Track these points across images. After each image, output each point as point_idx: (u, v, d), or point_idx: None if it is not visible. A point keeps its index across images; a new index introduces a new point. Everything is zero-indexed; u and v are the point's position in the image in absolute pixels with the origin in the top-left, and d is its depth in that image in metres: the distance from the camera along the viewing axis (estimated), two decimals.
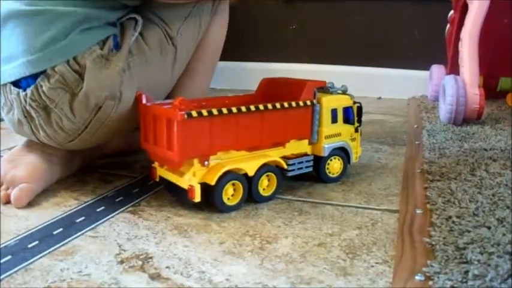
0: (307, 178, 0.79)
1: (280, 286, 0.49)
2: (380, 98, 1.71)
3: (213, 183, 0.65)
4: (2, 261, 0.54)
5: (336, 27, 1.79)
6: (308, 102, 0.74)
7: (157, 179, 0.72)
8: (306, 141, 0.76)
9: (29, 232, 0.62)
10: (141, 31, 0.75)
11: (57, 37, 0.67)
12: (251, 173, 0.69)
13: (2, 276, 0.51)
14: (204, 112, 0.63)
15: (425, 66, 1.61)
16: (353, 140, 0.81)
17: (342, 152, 0.79)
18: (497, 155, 0.89)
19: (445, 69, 1.49)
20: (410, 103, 1.57)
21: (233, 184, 0.68)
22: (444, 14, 1.52)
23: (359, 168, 0.86)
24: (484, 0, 1.20)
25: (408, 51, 1.70)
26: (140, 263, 0.54)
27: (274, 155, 0.72)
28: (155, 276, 0.51)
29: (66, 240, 0.59)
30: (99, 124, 0.71)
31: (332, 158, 0.78)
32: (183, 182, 0.66)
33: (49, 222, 0.65)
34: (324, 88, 0.78)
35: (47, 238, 0.60)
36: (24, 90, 0.69)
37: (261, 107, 0.69)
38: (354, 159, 0.81)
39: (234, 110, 0.66)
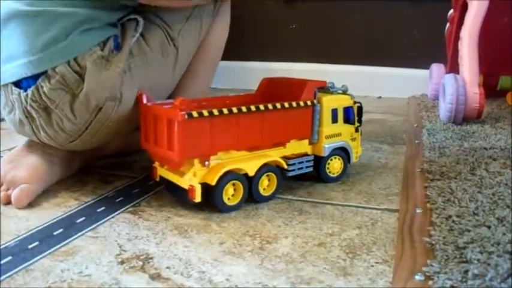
0: (307, 178, 0.79)
1: (280, 286, 0.49)
2: (380, 97, 1.71)
3: (213, 183, 0.65)
4: (3, 262, 0.54)
5: (336, 27, 1.79)
6: (308, 102, 0.74)
7: (157, 179, 0.72)
8: (306, 141, 0.76)
9: (30, 233, 0.62)
10: (142, 32, 0.75)
11: (58, 38, 0.67)
12: (251, 173, 0.69)
13: (2, 277, 0.51)
14: (205, 112, 0.63)
15: (425, 65, 1.61)
16: (353, 139, 0.81)
17: (342, 152, 0.79)
18: (497, 154, 0.89)
19: (445, 68, 1.49)
20: (410, 102, 1.57)
21: (233, 184, 0.68)
22: (444, 13, 1.52)
23: (359, 167, 0.86)
24: None
25: (408, 50, 1.70)
26: (140, 263, 0.54)
27: (274, 155, 0.72)
28: (155, 277, 0.51)
29: (66, 241, 0.59)
30: (99, 125, 0.71)
31: (332, 157, 0.78)
32: (184, 182, 0.66)
33: (49, 223, 0.65)
34: (325, 88, 0.78)
35: (47, 239, 0.60)
36: (25, 90, 0.69)
37: (262, 107, 0.69)
38: (354, 158, 0.81)
39: (235, 110, 0.66)
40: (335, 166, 0.79)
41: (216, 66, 0.97)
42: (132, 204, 0.71)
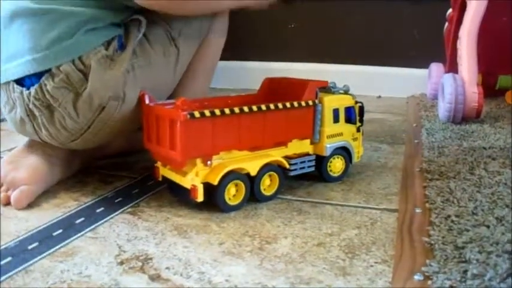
0: (306, 178, 0.79)
1: (279, 286, 0.49)
2: (379, 96, 1.71)
3: (215, 183, 0.65)
4: (2, 262, 0.54)
5: (335, 27, 1.79)
6: (310, 102, 0.74)
7: (160, 179, 0.73)
8: (308, 141, 0.77)
9: (29, 233, 0.62)
10: (144, 32, 0.75)
11: (63, 36, 0.68)
12: (253, 173, 0.69)
13: (2, 278, 0.51)
14: (207, 112, 0.64)
15: (424, 65, 1.61)
16: (355, 139, 0.81)
17: (344, 152, 0.80)
18: (496, 154, 0.89)
19: (444, 68, 1.49)
20: (410, 102, 1.57)
21: (235, 184, 0.68)
22: (443, 13, 1.52)
23: (358, 167, 0.86)
24: None
25: (407, 50, 1.70)
26: (140, 264, 0.54)
27: (276, 155, 0.72)
28: (155, 277, 0.51)
29: (66, 242, 0.59)
30: (102, 124, 0.72)
31: (334, 157, 0.79)
32: (186, 181, 0.66)
33: (49, 224, 0.65)
34: (326, 88, 0.79)
35: (47, 239, 0.60)
36: (28, 88, 0.69)
37: (263, 107, 0.69)
38: (355, 158, 0.81)
39: (237, 110, 0.66)
40: (337, 166, 0.79)
41: (215, 65, 0.97)
42: (131, 204, 0.71)
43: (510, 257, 0.51)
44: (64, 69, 0.67)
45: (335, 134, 0.78)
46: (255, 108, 0.68)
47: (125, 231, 0.62)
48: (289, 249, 0.57)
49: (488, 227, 0.59)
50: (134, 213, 0.68)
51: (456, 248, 0.54)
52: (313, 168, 0.77)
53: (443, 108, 1.18)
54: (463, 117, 1.16)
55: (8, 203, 0.71)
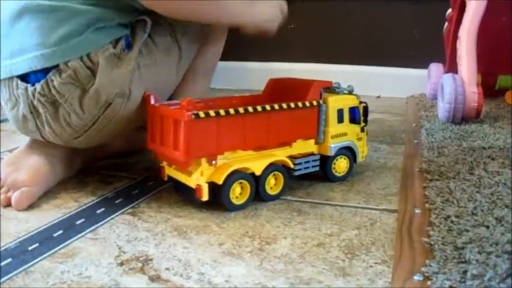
0: (306, 178, 0.79)
1: (279, 287, 0.49)
2: (379, 96, 1.71)
3: (220, 182, 0.66)
4: (3, 263, 0.54)
5: (335, 27, 1.79)
6: (314, 103, 0.75)
7: (165, 178, 0.73)
8: (312, 141, 0.77)
9: (29, 234, 0.62)
10: (149, 33, 0.75)
11: (72, 33, 0.68)
12: (258, 173, 0.69)
13: (2, 279, 0.51)
14: (211, 113, 0.64)
15: (424, 65, 1.61)
16: (359, 139, 0.81)
17: (348, 152, 0.80)
18: (496, 154, 0.90)
19: (444, 68, 1.49)
20: (409, 102, 1.57)
21: (240, 183, 0.68)
22: (443, 13, 1.52)
23: (358, 167, 0.86)
24: None
25: (407, 49, 1.70)
26: (140, 264, 0.54)
27: (280, 155, 0.73)
28: (155, 278, 0.51)
29: (66, 243, 0.59)
30: (106, 121, 0.72)
31: (338, 157, 0.79)
32: (191, 181, 0.66)
33: (49, 225, 0.65)
34: (330, 88, 0.79)
35: (47, 240, 0.60)
36: (33, 85, 0.69)
37: (268, 107, 0.69)
38: (360, 158, 0.82)
39: (241, 110, 0.67)
40: (341, 166, 0.79)
41: (215, 66, 0.98)
42: (131, 205, 0.71)
43: (510, 257, 0.51)
44: (72, 66, 0.68)
45: (339, 134, 0.78)
46: (259, 108, 0.68)
47: (125, 232, 0.62)
48: (289, 249, 0.57)
49: (487, 227, 0.59)
50: (134, 214, 0.68)
51: (456, 248, 0.54)
52: (317, 168, 0.77)
53: (442, 108, 1.18)
54: (462, 117, 1.16)
55: (8, 205, 0.71)
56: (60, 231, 0.63)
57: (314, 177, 0.79)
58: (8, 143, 1.08)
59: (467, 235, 0.57)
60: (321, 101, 0.76)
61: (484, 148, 0.94)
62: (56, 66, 0.68)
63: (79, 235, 0.62)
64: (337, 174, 0.80)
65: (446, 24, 1.52)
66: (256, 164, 0.69)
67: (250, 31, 0.81)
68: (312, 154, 0.77)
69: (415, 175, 0.81)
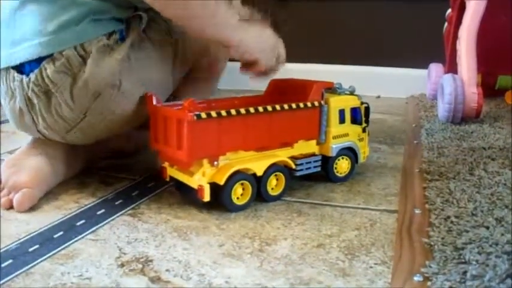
0: (307, 179, 0.79)
1: (279, 287, 0.49)
2: (379, 97, 1.71)
3: (222, 183, 0.66)
4: (3, 265, 0.54)
5: (335, 27, 1.79)
6: (316, 103, 0.75)
7: (167, 179, 0.73)
8: (314, 142, 0.77)
9: (30, 236, 0.62)
10: (145, 28, 0.76)
11: (69, 23, 0.69)
12: (260, 173, 0.69)
13: (2, 281, 0.51)
14: (213, 113, 0.64)
15: (424, 65, 1.61)
16: (361, 140, 0.81)
17: (350, 152, 0.80)
18: (496, 154, 0.90)
19: (444, 68, 1.49)
20: (409, 102, 1.57)
21: (242, 184, 0.68)
22: (442, 13, 1.52)
23: (358, 168, 0.86)
24: None
25: (407, 50, 1.70)
26: (140, 266, 0.54)
27: (282, 155, 0.73)
28: (155, 280, 0.51)
29: (66, 244, 0.60)
30: (98, 114, 0.72)
31: (340, 157, 0.79)
32: (193, 181, 0.67)
33: (50, 226, 0.65)
34: (332, 89, 0.79)
35: (47, 242, 0.60)
36: (28, 75, 0.70)
37: (269, 108, 0.70)
38: (361, 159, 0.82)
39: (243, 111, 0.67)
40: (343, 166, 0.80)
41: (223, 67, 0.97)
42: (131, 206, 0.71)
43: (509, 257, 0.51)
44: (66, 54, 0.69)
45: (341, 134, 0.78)
46: (261, 109, 0.69)
47: (125, 233, 0.62)
48: (289, 250, 0.57)
49: (487, 227, 0.59)
50: (134, 215, 0.68)
51: (456, 249, 0.54)
52: (319, 169, 0.77)
53: (442, 108, 1.18)
54: (462, 117, 1.16)
55: (9, 207, 0.71)
56: (61, 233, 0.63)
57: (314, 177, 0.79)
58: (8, 144, 1.08)
59: (467, 236, 0.57)
60: (322, 102, 0.76)
61: (484, 148, 0.94)
62: (51, 56, 0.69)
63: (79, 236, 0.62)
64: (338, 174, 0.80)
65: (446, 24, 1.53)
66: (258, 165, 0.70)
67: (233, 52, 0.77)
68: (314, 155, 0.77)
69: (415, 175, 0.81)
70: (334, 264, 0.54)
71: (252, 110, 0.68)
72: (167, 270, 0.53)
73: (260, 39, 0.80)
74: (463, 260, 0.51)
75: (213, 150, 0.66)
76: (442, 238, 0.57)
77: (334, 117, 0.77)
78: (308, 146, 0.77)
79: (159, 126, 0.70)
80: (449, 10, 1.47)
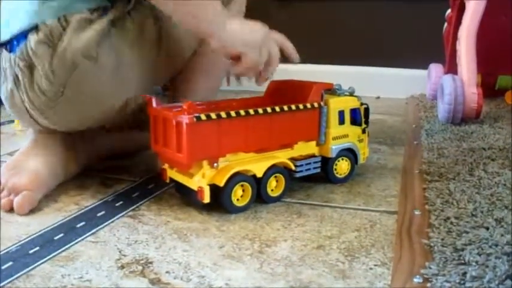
0: (306, 180, 0.79)
1: None
2: (379, 97, 1.72)
3: (222, 184, 0.66)
4: (3, 267, 0.55)
5: (335, 27, 1.79)
6: (315, 104, 0.75)
7: (167, 181, 0.73)
8: (313, 143, 0.77)
9: (30, 238, 0.62)
10: (130, 10, 0.75)
11: None
12: (259, 174, 0.70)
13: (3, 283, 0.51)
14: (213, 115, 0.65)
15: (424, 65, 1.61)
16: (360, 141, 0.81)
17: (350, 153, 0.80)
18: (496, 154, 0.90)
19: (443, 68, 1.50)
20: (409, 102, 1.57)
21: (242, 185, 0.68)
22: (442, 13, 1.52)
23: (358, 168, 0.86)
24: None
25: (406, 50, 1.70)
26: (140, 268, 0.54)
27: (282, 157, 0.73)
28: (155, 281, 0.51)
29: (67, 246, 0.60)
30: (75, 89, 0.72)
31: (340, 159, 0.79)
32: (193, 183, 0.67)
33: (50, 228, 0.65)
34: (331, 90, 0.79)
35: (47, 244, 0.60)
36: (15, 52, 0.71)
37: (269, 109, 0.70)
38: (361, 160, 0.82)
39: (242, 112, 0.67)
40: (342, 167, 0.80)
41: (221, 69, 0.97)
42: (131, 208, 0.71)
43: (509, 258, 0.51)
44: (49, 25, 0.70)
45: (340, 135, 0.78)
46: (260, 110, 0.69)
47: (125, 235, 0.63)
48: (289, 252, 0.57)
49: (487, 228, 0.59)
50: (134, 216, 0.68)
51: (455, 250, 0.54)
52: (318, 170, 0.78)
53: (442, 109, 1.18)
54: (462, 117, 1.16)
55: (10, 209, 0.71)
56: (61, 235, 0.63)
57: (314, 178, 0.79)
58: (8, 145, 1.08)
59: (467, 236, 0.57)
60: (322, 103, 0.76)
61: (483, 149, 0.94)
62: (36, 28, 0.70)
63: (79, 238, 0.62)
64: (338, 175, 0.80)
65: (445, 24, 1.53)
66: (258, 166, 0.70)
67: (214, 46, 0.73)
68: (313, 156, 0.77)
69: (415, 176, 0.81)
70: (334, 266, 0.54)
71: (251, 111, 0.68)
72: (167, 272, 0.53)
73: (243, 32, 0.76)
74: (462, 261, 0.51)
75: (212, 152, 0.66)
76: (442, 239, 0.57)
77: (334, 118, 0.77)
78: (308, 147, 0.77)
79: (159, 128, 0.70)
80: (449, 10, 1.47)
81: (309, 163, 0.76)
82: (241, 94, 1.02)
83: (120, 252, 0.58)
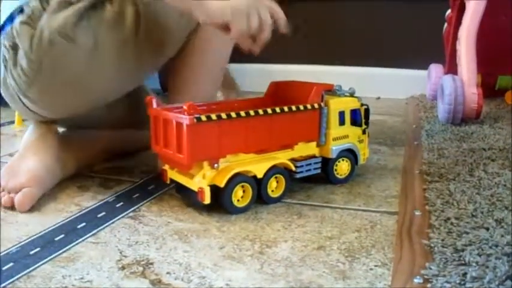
0: (307, 180, 0.79)
1: None
2: (379, 98, 1.72)
3: (222, 185, 0.66)
4: (4, 268, 0.55)
5: (335, 28, 1.79)
6: (316, 105, 0.75)
7: (168, 181, 0.74)
8: (314, 144, 0.77)
9: (31, 239, 0.62)
10: None
11: None
12: (260, 175, 0.70)
13: (3, 284, 0.51)
14: (213, 116, 0.65)
15: (424, 66, 1.61)
16: (360, 141, 0.82)
17: (350, 154, 0.80)
18: (496, 155, 0.90)
19: (443, 69, 1.50)
20: (409, 103, 1.57)
21: (242, 186, 0.68)
22: (442, 13, 1.52)
23: (358, 169, 0.86)
24: None
25: (407, 50, 1.70)
26: (141, 268, 0.54)
27: (282, 157, 0.73)
28: (156, 282, 0.51)
29: (67, 247, 0.60)
30: (53, 66, 0.73)
31: (340, 159, 0.79)
32: (193, 184, 0.67)
33: (50, 229, 0.65)
34: (332, 91, 0.79)
35: (48, 245, 0.60)
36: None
37: (269, 110, 0.70)
38: (361, 160, 0.82)
39: (243, 113, 0.67)
40: (343, 168, 0.80)
41: (222, 68, 0.97)
42: (132, 209, 0.72)
43: (509, 259, 0.51)
44: (32, 5, 0.73)
45: (341, 136, 0.79)
46: (261, 111, 0.69)
47: (126, 236, 0.63)
48: (289, 253, 0.57)
49: (487, 229, 0.59)
50: (135, 217, 0.69)
51: (456, 250, 0.54)
52: (319, 171, 0.78)
53: (442, 109, 1.18)
54: (462, 118, 1.16)
55: (11, 206, 0.71)
56: (62, 236, 0.63)
57: (315, 179, 0.80)
58: (8, 146, 1.08)
59: (467, 237, 0.57)
60: (322, 104, 0.76)
61: (484, 149, 0.94)
62: (22, 10, 0.73)
63: (80, 239, 0.62)
64: (338, 176, 0.80)
65: (446, 25, 1.53)
66: (258, 167, 0.70)
67: (201, 20, 0.71)
68: (314, 156, 0.77)
69: (415, 177, 0.81)
70: (335, 267, 0.54)
71: (252, 112, 0.68)
72: (168, 272, 0.53)
73: (228, 1, 0.71)
74: (463, 262, 0.51)
75: (213, 153, 0.67)
76: (442, 240, 0.57)
77: (334, 119, 0.77)
78: (308, 148, 0.77)
79: (159, 129, 0.70)
80: (449, 10, 1.47)
81: (309, 164, 0.76)
82: (242, 94, 1.02)
83: (120, 253, 0.58)
